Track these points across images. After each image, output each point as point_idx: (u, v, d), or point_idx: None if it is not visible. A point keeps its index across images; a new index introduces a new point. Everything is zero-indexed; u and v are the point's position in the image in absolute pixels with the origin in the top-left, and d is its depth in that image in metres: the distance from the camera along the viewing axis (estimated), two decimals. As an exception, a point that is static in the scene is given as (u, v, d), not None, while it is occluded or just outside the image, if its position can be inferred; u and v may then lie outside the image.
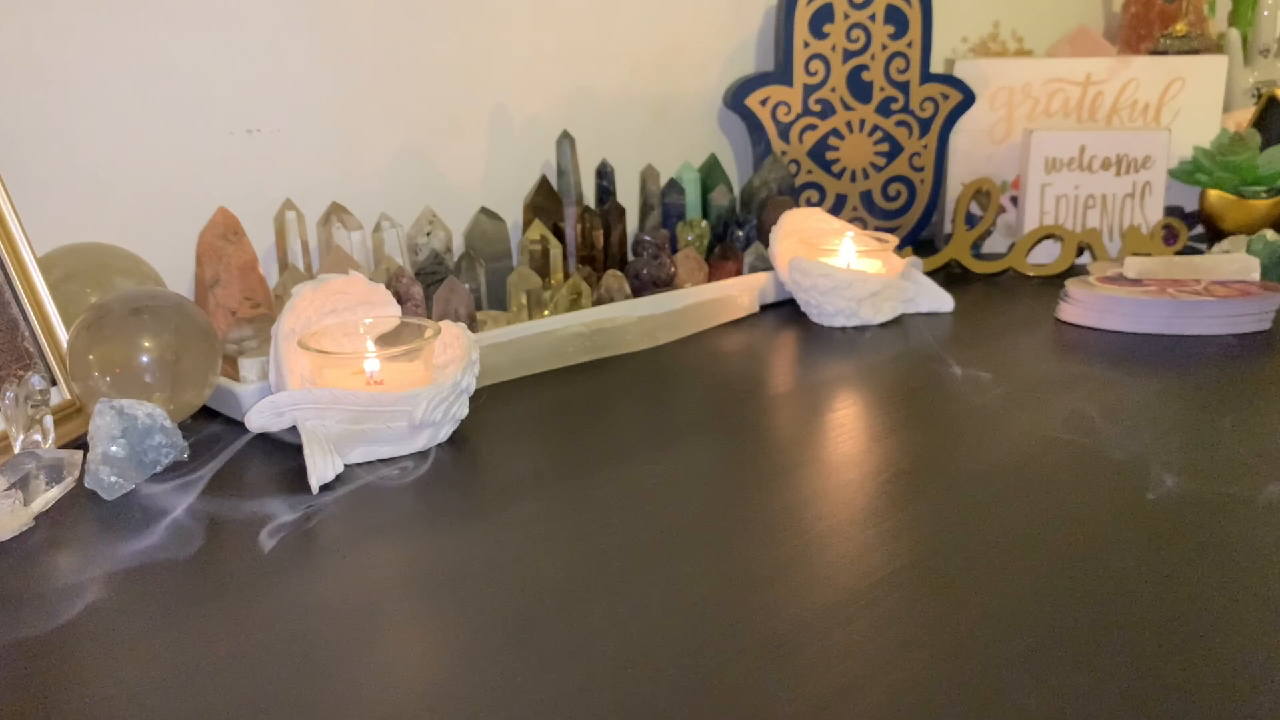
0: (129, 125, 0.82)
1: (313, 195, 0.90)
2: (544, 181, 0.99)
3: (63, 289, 0.70)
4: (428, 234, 0.90)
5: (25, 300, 0.67)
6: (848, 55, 1.17)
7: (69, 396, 0.67)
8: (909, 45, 1.18)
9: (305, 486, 0.58)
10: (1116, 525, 0.52)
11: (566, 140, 0.98)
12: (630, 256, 1.01)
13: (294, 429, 0.62)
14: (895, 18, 1.17)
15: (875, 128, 1.20)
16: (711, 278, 0.99)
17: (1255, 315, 0.87)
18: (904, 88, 1.20)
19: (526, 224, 0.96)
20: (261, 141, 0.89)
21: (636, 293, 0.92)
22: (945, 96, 1.21)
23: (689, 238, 1.03)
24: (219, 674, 0.41)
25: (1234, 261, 0.95)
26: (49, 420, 0.62)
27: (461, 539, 0.53)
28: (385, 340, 0.69)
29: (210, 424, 0.71)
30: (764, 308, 1.02)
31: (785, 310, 1.01)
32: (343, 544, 0.53)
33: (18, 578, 0.50)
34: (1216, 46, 1.32)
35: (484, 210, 0.95)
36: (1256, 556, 0.49)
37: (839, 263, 0.96)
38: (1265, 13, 1.35)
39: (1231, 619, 0.43)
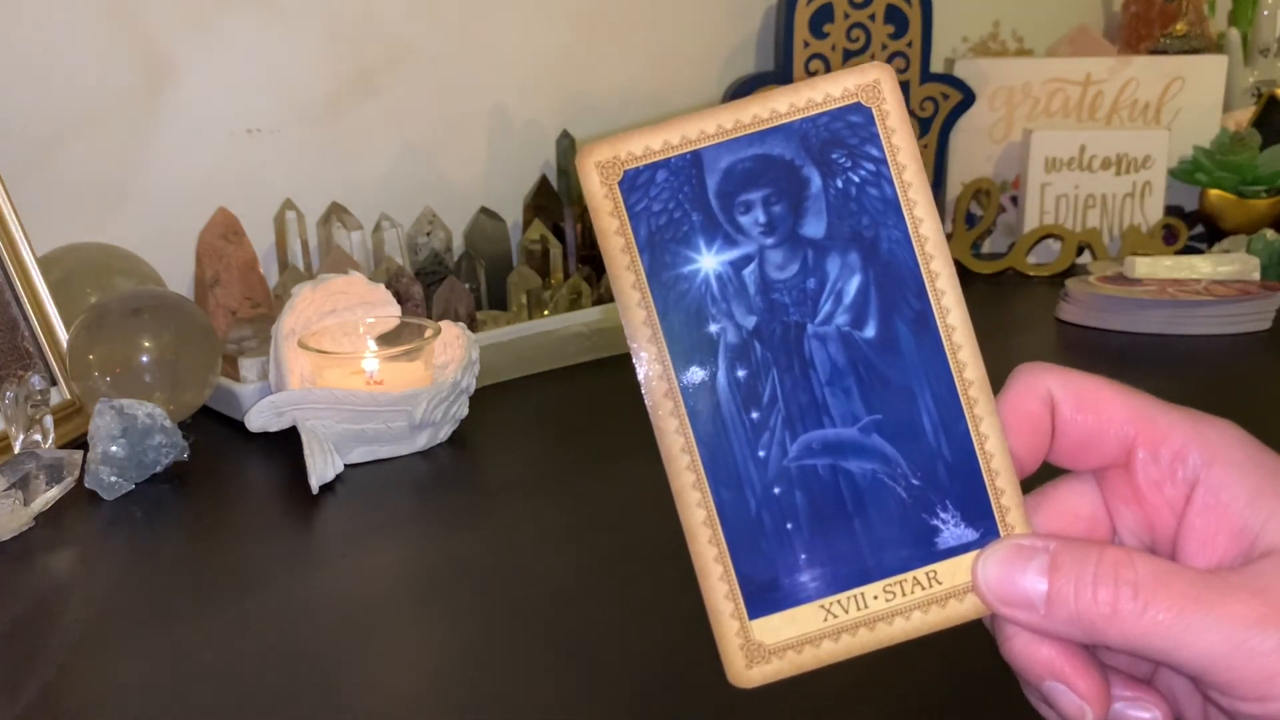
0: (129, 125, 0.82)
1: (313, 195, 0.90)
2: (544, 181, 0.99)
3: (63, 289, 0.70)
4: (428, 234, 0.90)
5: (25, 300, 0.67)
6: (848, 55, 1.17)
7: (69, 396, 0.67)
8: (909, 45, 1.18)
9: (305, 486, 0.58)
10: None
11: (566, 140, 0.98)
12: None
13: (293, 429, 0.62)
14: (895, 17, 1.17)
15: (875, 127, 1.20)
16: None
17: (1255, 315, 0.87)
18: (904, 87, 1.20)
19: (526, 224, 0.96)
20: (261, 141, 0.89)
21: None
22: (945, 96, 1.21)
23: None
24: (219, 673, 0.41)
25: (1234, 261, 0.95)
26: (49, 420, 0.62)
27: (461, 539, 0.53)
28: (385, 340, 0.69)
29: (210, 424, 0.71)
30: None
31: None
32: (342, 544, 0.53)
33: (18, 578, 0.50)
34: (1216, 46, 1.32)
35: (484, 210, 0.95)
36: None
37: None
38: (1265, 13, 1.34)
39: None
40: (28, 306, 0.67)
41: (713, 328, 0.24)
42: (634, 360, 0.24)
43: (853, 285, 0.24)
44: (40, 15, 0.77)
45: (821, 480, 0.24)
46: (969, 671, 0.39)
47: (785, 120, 0.24)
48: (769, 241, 0.24)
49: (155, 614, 0.46)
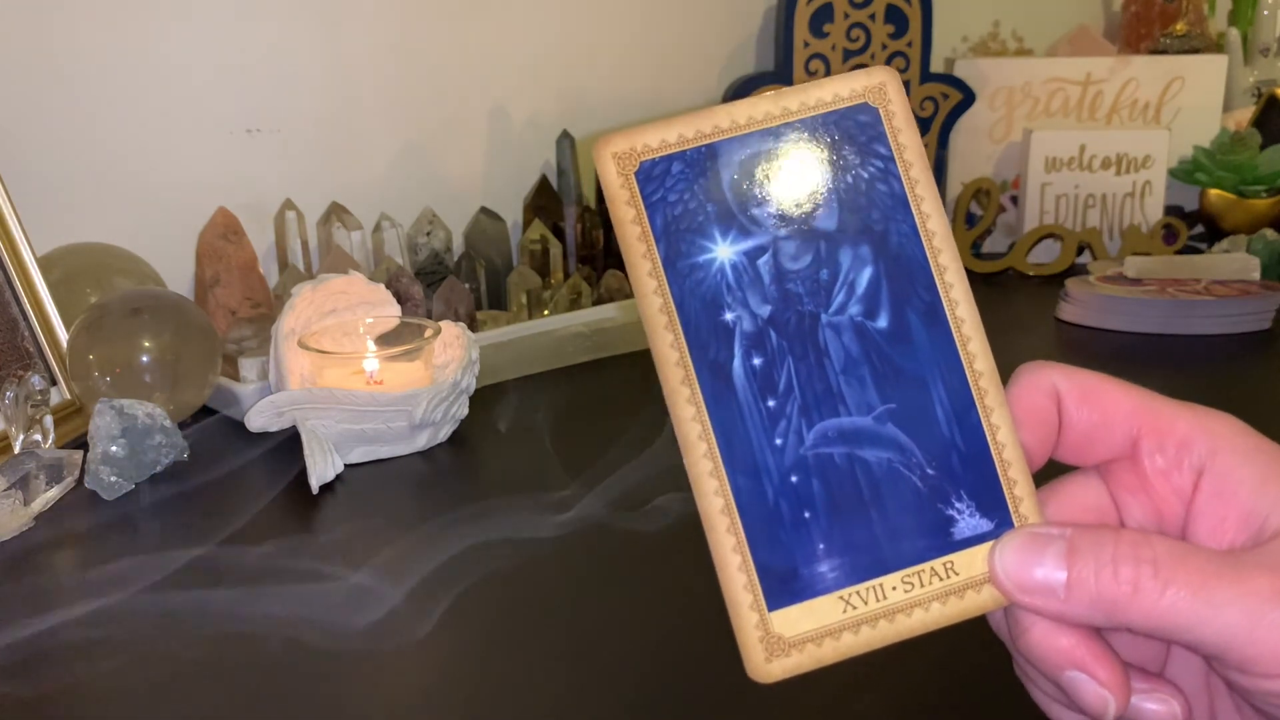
0: (129, 125, 0.82)
1: (313, 195, 0.90)
2: (544, 181, 0.99)
3: (63, 289, 0.70)
4: (428, 234, 0.90)
5: (25, 300, 0.67)
6: (847, 55, 1.17)
7: (69, 396, 0.67)
8: (909, 45, 1.18)
9: (305, 486, 0.58)
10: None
11: (566, 140, 0.98)
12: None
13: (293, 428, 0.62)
14: (895, 17, 1.17)
15: (875, 127, 1.20)
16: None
17: (1255, 315, 0.87)
18: (904, 87, 1.20)
19: (526, 224, 0.96)
20: (261, 141, 0.89)
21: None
22: (945, 96, 1.21)
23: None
24: (217, 675, 0.41)
25: (1234, 261, 0.95)
26: (49, 420, 0.62)
27: (461, 539, 0.53)
28: (385, 340, 0.69)
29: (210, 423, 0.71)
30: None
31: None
32: (342, 544, 0.53)
33: (18, 578, 0.50)
34: (1216, 46, 1.32)
35: (484, 210, 0.95)
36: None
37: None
38: (1265, 12, 1.34)
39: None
40: (28, 306, 0.67)
41: (728, 315, 0.24)
42: (650, 347, 0.24)
43: (864, 277, 0.24)
44: (41, 16, 0.77)
45: (838, 469, 0.24)
46: (966, 670, 0.39)
47: (796, 118, 0.24)
48: (782, 233, 0.24)
49: (154, 615, 0.46)
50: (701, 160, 0.24)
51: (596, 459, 0.63)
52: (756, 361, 0.24)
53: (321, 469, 0.58)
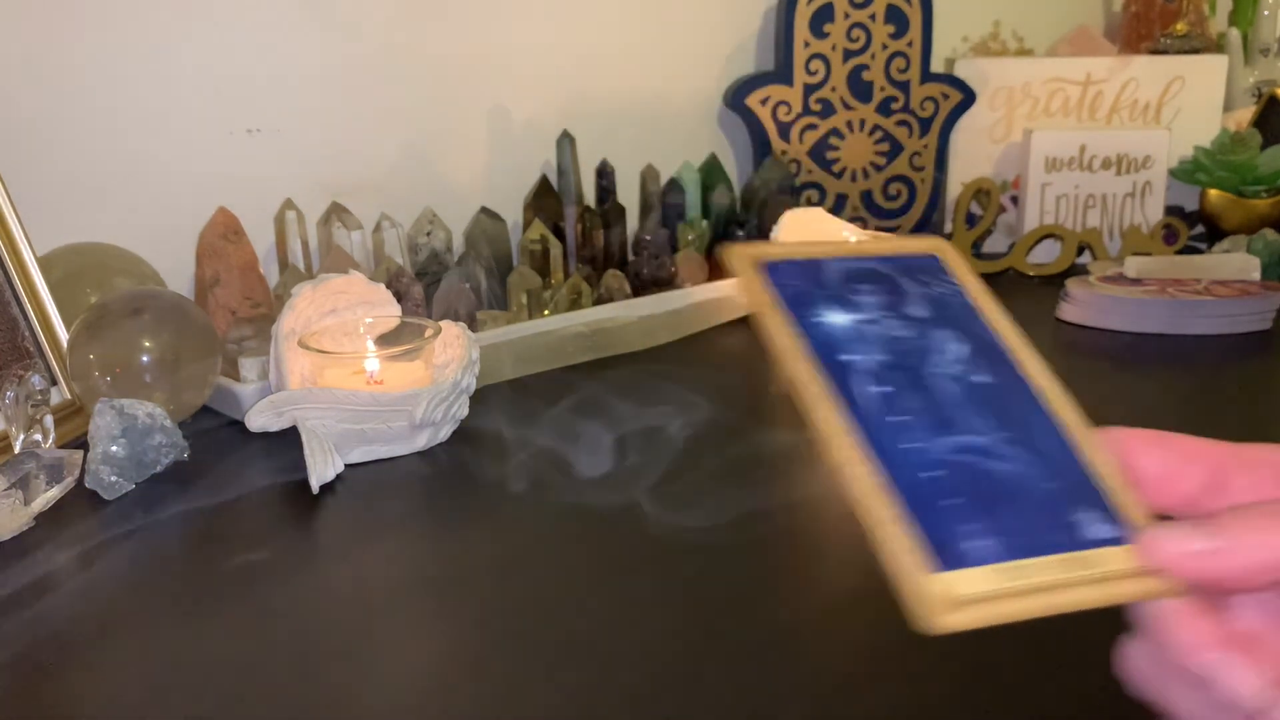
0: (129, 125, 0.82)
1: (313, 195, 0.90)
2: (544, 181, 0.99)
3: (63, 289, 0.70)
4: (428, 234, 0.90)
5: (25, 300, 0.67)
6: (848, 55, 1.17)
7: (69, 396, 0.67)
8: (909, 45, 1.18)
9: (305, 486, 0.58)
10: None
11: (566, 140, 0.98)
12: (630, 256, 1.01)
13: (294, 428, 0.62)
14: (895, 17, 1.17)
15: (875, 127, 1.20)
16: (711, 278, 0.99)
17: (1255, 315, 0.87)
18: (904, 87, 1.20)
19: (526, 224, 0.96)
20: (261, 141, 0.89)
21: (636, 293, 0.92)
22: (945, 96, 1.21)
23: (689, 237, 1.03)
24: (219, 675, 0.41)
25: (1234, 261, 0.95)
26: (49, 420, 0.62)
27: (461, 539, 0.53)
28: (385, 340, 0.69)
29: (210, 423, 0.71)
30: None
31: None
32: (342, 544, 0.53)
33: (18, 578, 0.50)
34: (1216, 46, 1.32)
35: (484, 210, 0.95)
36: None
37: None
38: (1265, 12, 1.34)
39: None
40: (28, 306, 0.67)
41: (850, 357, 0.27)
42: (783, 376, 0.27)
43: (958, 347, 0.28)
44: (41, 17, 0.77)
45: (971, 470, 0.26)
46: (966, 674, 0.39)
47: (876, 255, 0.30)
48: (883, 314, 0.29)
49: (155, 614, 0.46)
50: (811, 265, 0.29)
51: (596, 460, 0.63)
52: (876, 390, 0.27)
53: (321, 469, 0.58)
